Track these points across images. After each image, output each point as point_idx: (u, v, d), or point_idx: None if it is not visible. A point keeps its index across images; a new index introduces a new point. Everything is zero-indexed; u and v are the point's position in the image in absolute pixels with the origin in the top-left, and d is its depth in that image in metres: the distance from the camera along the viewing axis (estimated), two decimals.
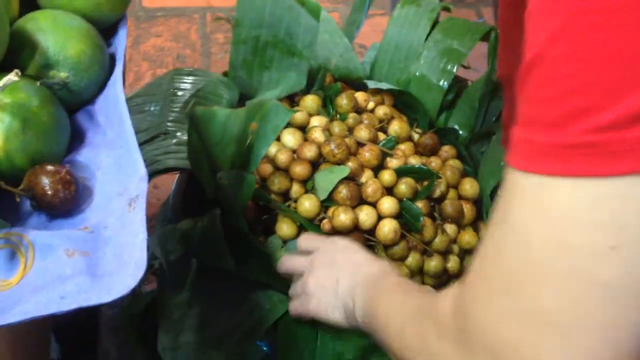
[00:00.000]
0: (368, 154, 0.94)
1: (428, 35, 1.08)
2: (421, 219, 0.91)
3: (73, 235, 0.53)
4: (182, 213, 0.89)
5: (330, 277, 0.72)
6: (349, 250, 0.76)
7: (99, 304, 0.49)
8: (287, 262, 0.80)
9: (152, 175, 0.83)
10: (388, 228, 0.90)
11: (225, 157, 0.81)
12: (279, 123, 0.84)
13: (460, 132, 1.09)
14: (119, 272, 0.51)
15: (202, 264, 0.80)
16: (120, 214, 0.55)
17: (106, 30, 0.67)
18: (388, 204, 0.91)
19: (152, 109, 0.88)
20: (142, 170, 0.56)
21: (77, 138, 0.61)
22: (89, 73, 0.61)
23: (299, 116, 0.98)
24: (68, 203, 0.55)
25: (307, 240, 0.81)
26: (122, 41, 0.65)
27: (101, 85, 0.63)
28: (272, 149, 0.93)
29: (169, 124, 0.89)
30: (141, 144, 0.87)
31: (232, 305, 0.79)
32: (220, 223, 0.76)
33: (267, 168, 0.93)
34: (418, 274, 0.95)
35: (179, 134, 0.88)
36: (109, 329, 0.84)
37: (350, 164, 0.92)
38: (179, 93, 0.90)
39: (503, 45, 0.75)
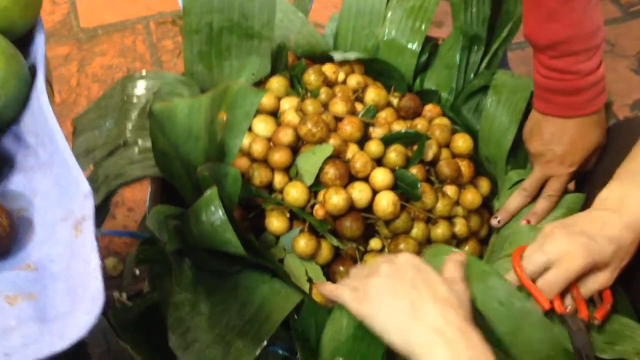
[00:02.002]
0: (349, 127, 0.83)
1: None
2: (419, 185, 0.80)
3: (13, 278, 0.42)
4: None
5: (404, 295, 0.57)
6: (427, 276, 0.60)
7: (52, 353, 0.38)
8: (330, 286, 0.66)
9: (117, 188, 0.71)
10: (386, 201, 0.79)
11: (197, 154, 0.69)
12: (249, 108, 0.71)
13: (441, 93, 0.98)
14: (74, 311, 0.40)
15: (200, 258, 0.68)
16: (67, 241, 0.44)
17: (20, 40, 0.55)
18: (381, 176, 0.80)
19: (107, 123, 0.77)
20: (86, 187, 0.44)
21: (5, 164, 0.49)
22: (6, 89, 0.49)
23: (267, 101, 0.86)
24: (4, 241, 0.44)
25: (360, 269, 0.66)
26: (40, 48, 0.53)
27: (24, 101, 0.52)
28: (245, 141, 0.81)
29: (128, 134, 0.77)
30: (101, 160, 0.76)
31: (239, 301, 0.67)
32: (219, 201, 0.64)
33: (243, 162, 0.81)
34: (426, 245, 0.84)
35: (140, 141, 0.75)
36: None
37: (332, 141, 0.81)
38: (134, 100, 0.79)
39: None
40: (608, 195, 0.70)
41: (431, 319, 0.54)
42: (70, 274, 0.42)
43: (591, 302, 0.69)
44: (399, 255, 0.63)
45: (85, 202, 0.44)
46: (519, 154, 0.90)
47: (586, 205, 0.76)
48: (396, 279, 0.59)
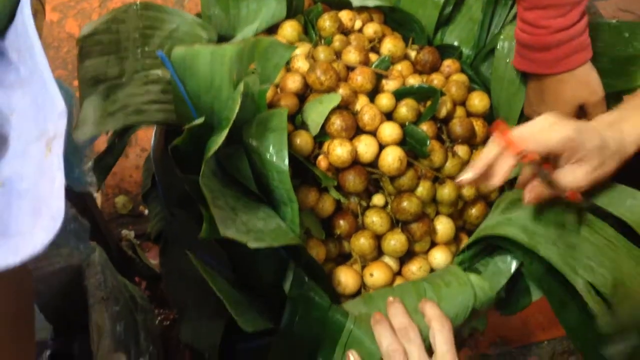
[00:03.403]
0: (360, 78, 0.79)
1: None
2: (428, 142, 0.75)
3: None
4: (164, 164, 0.76)
5: None
6: None
7: (4, 268, 0.36)
8: (383, 333, 0.63)
9: (137, 125, 0.67)
10: (392, 157, 0.75)
11: (220, 106, 0.67)
12: (279, 61, 0.69)
13: (462, 49, 0.93)
14: (34, 229, 0.38)
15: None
16: (38, 160, 0.42)
17: None
18: (389, 131, 0.76)
19: (120, 52, 0.73)
20: (61, 106, 0.42)
21: None
22: None
23: None
24: None
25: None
26: None
27: (9, 16, 0.49)
28: None
29: (148, 66, 0.73)
30: (119, 87, 0.72)
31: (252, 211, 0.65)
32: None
33: None
34: (431, 204, 0.81)
35: (164, 77, 0.73)
36: (97, 300, 0.72)
37: (341, 90, 0.77)
38: (151, 33, 0.75)
39: None
40: (605, 117, 0.66)
41: None
42: (37, 194, 0.40)
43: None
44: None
45: (58, 121, 0.42)
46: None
47: None
48: None
